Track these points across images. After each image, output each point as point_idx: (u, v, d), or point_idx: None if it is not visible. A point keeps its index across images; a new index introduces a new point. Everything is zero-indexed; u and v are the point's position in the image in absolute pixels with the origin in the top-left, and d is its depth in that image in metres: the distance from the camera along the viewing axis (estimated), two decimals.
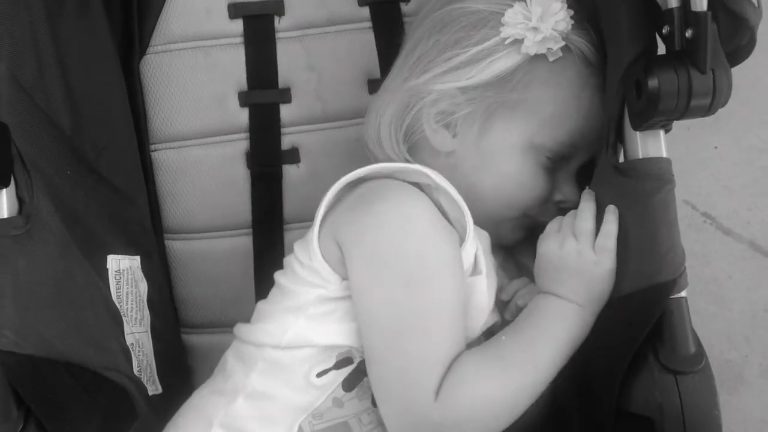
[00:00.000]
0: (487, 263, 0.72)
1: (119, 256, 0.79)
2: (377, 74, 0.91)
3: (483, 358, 0.67)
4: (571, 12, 0.74)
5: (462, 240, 0.70)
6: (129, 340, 0.77)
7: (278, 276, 0.75)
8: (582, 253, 0.69)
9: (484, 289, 0.71)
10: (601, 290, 0.69)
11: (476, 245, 0.71)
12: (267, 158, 0.91)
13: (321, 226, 0.71)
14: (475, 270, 0.72)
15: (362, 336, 0.68)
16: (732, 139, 1.56)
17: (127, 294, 0.78)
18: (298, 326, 0.70)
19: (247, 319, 0.77)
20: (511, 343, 0.68)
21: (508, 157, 0.75)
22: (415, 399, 0.64)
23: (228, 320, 0.90)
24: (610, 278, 0.69)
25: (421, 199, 0.70)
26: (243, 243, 0.92)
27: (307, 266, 0.71)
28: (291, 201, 0.91)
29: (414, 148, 0.78)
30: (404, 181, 0.72)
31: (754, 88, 1.53)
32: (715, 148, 1.57)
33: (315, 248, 0.70)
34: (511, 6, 0.74)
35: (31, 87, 0.71)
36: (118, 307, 0.77)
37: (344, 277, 0.69)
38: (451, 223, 0.71)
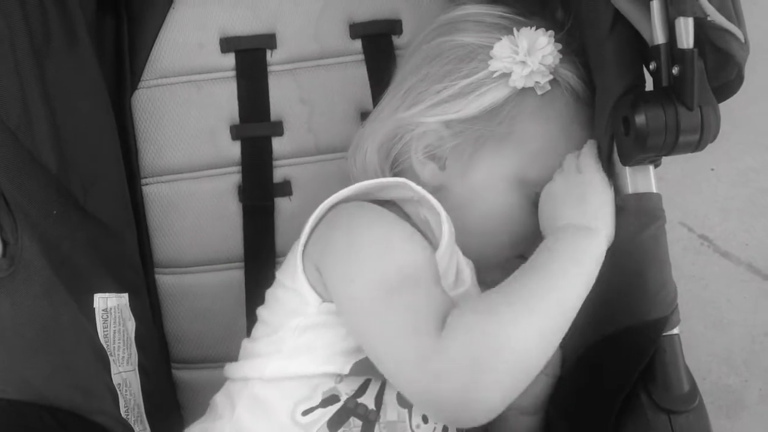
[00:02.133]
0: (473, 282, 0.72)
1: (106, 295, 0.78)
2: (369, 107, 0.90)
3: (483, 298, 0.64)
4: (559, 46, 0.74)
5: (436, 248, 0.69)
6: (116, 380, 0.76)
7: (260, 310, 0.75)
8: (567, 178, 0.70)
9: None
10: (598, 201, 0.68)
11: (456, 256, 0.71)
12: (259, 191, 0.91)
13: (304, 247, 0.70)
14: (457, 283, 0.71)
15: (363, 346, 0.66)
16: (728, 160, 1.56)
17: (114, 333, 0.77)
18: (281, 357, 0.69)
19: (237, 354, 0.76)
20: (515, 282, 0.64)
21: (496, 191, 0.75)
22: (416, 346, 0.60)
23: (219, 355, 0.90)
24: (604, 188, 0.69)
25: (386, 217, 0.70)
26: (234, 277, 0.91)
27: (290, 289, 0.71)
28: (283, 234, 0.91)
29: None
30: (380, 199, 0.72)
31: (749, 109, 1.53)
32: (712, 169, 1.57)
33: (299, 269, 0.70)
34: (500, 39, 0.74)
35: (16, 126, 0.70)
36: (105, 346, 0.76)
37: (324, 299, 0.69)
38: (427, 238, 0.70)
